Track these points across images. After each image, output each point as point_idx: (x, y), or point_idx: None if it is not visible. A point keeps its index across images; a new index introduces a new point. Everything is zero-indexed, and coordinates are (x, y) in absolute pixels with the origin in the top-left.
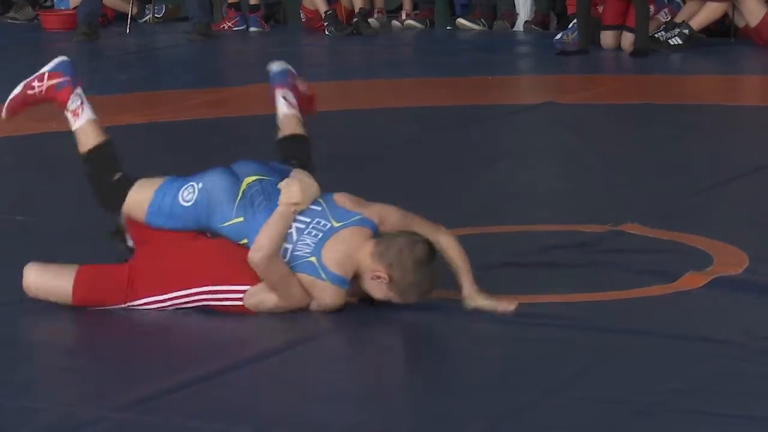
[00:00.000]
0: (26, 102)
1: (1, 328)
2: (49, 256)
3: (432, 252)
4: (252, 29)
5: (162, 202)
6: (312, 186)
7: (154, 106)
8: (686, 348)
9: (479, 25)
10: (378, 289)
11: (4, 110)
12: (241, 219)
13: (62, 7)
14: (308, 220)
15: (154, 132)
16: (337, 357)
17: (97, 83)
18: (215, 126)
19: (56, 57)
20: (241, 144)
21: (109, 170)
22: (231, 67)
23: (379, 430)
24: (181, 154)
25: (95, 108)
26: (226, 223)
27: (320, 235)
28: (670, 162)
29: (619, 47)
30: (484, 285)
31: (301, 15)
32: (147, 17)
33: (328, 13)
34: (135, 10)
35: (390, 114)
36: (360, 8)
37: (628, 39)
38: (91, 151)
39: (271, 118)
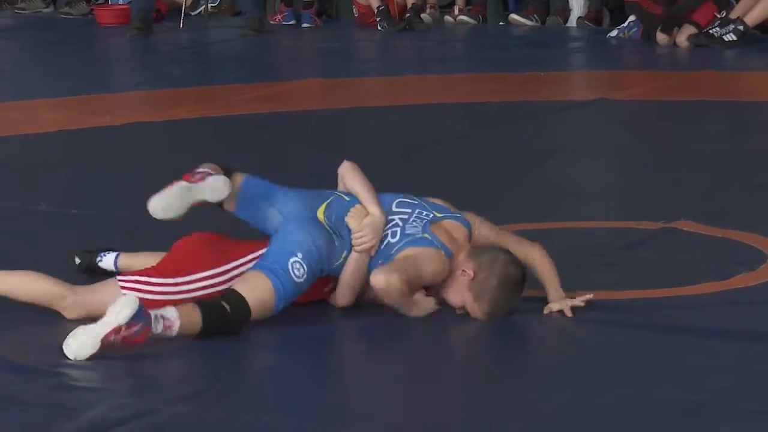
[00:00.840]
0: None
1: (55, 321)
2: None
3: (522, 281)
4: (304, 25)
5: (284, 291)
6: (377, 219)
7: (206, 101)
8: (737, 346)
9: (532, 20)
10: (457, 289)
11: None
12: (345, 253)
13: (117, 2)
14: (409, 211)
15: (206, 126)
16: (389, 351)
17: (151, 78)
18: (267, 121)
19: (121, 301)
20: (293, 139)
21: (224, 318)
22: (283, 62)
23: (431, 424)
24: (233, 148)
25: (149, 102)
26: (339, 262)
27: (425, 221)
28: (724, 159)
29: (674, 43)
30: (538, 282)
31: (354, 10)
32: (201, 8)
33: (381, 8)
34: (189, 2)
35: (441, 109)
36: (412, 3)
37: (684, 33)
38: (205, 326)
39: (323, 113)
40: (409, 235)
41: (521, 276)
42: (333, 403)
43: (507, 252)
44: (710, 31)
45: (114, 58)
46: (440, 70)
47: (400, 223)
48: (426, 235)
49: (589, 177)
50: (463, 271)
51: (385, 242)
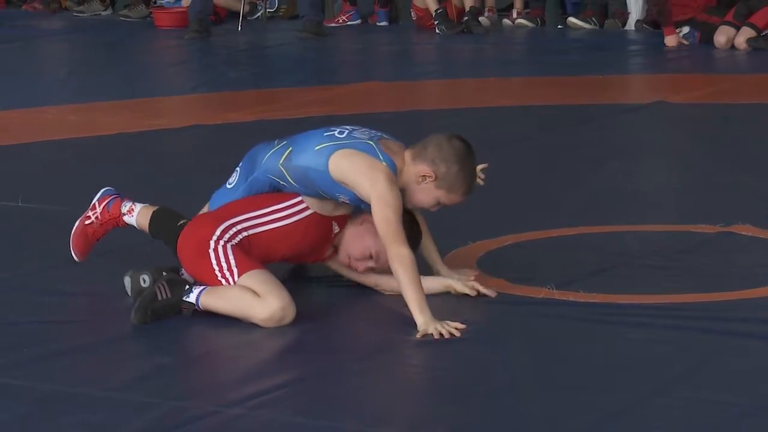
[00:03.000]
0: (87, 235)
1: (114, 323)
2: (162, 250)
3: (469, 144)
4: (381, 23)
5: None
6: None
7: (264, 104)
8: None
9: (590, 24)
10: (427, 194)
11: (74, 254)
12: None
13: (176, 5)
14: (357, 127)
15: (264, 129)
16: (439, 355)
17: (208, 81)
18: (325, 123)
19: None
20: None
21: (174, 220)
22: (341, 65)
23: (484, 428)
24: None
25: (207, 105)
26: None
27: (372, 135)
28: None
29: (732, 46)
30: (596, 285)
31: (412, 13)
32: (259, 13)
33: (439, 11)
34: (247, 8)
35: (500, 113)
36: (471, 6)
37: (742, 36)
38: (152, 222)
39: (381, 116)
40: (354, 138)
41: (466, 141)
42: (387, 410)
43: (439, 133)
44: (766, 34)
45: (172, 61)
46: (498, 74)
47: (348, 128)
48: (371, 143)
49: (647, 180)
50: (423, 176)
51: (330, 134)
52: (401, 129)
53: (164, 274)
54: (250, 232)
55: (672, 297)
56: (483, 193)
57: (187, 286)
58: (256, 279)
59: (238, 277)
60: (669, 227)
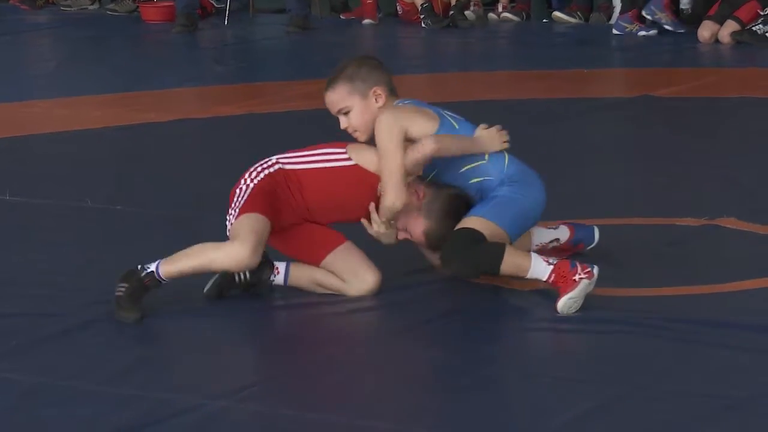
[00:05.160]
0: None
1: (101, 316)
2: (149, 245)
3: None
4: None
5: None
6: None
7: (252, 98)
8: None
9: (576, 18)
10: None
11: None
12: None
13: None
14: None
15: (252, 123)
16: (429, 347)
17: (196, 75)
18: (312, 117)
19: None
20: (338, 136)
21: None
22: (328, 59)
23: (468, 422)
24: (278, 145)
25: (195, 99)
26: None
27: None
28: (766, 156)
29: (716, 40)
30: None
31: (398, 8)
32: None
33: (425, 5)
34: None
35: (485, 107)
36: (457, 1)
37: (726, 30)
38: None
39: None
40: None
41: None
42: (376, 403)
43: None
44: (753, 28)
45: (159, 55)
46: (484, 68)
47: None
48: None
49: (631, 174)
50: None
51: None
52: None
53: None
54: (287, 167)
55: (657, 290)
56: None
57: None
58: (243, 223)
59: (235, 219)
60: (654, 220)
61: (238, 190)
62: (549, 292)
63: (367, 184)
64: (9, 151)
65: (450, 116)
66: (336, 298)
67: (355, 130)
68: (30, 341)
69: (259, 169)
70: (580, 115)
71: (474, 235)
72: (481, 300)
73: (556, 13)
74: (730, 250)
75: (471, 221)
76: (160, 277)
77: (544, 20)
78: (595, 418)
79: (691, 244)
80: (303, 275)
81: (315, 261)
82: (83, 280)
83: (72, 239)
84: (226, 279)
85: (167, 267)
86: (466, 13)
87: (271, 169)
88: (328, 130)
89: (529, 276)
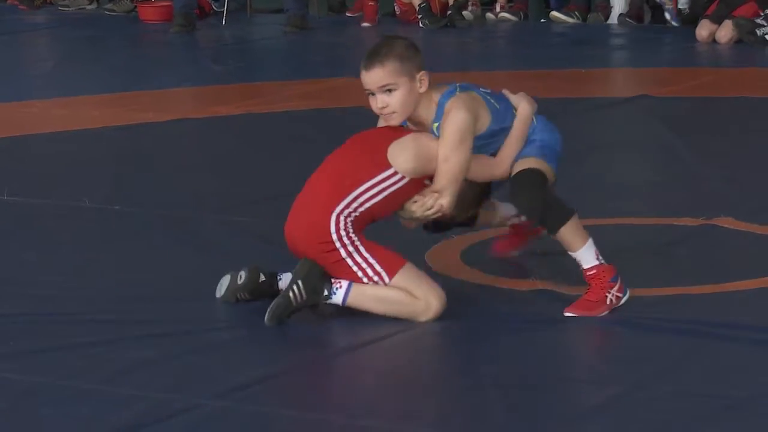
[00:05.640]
0: None
1: (100, 316)
2: (147, 245)
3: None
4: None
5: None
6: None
7: (249, 98)
8: None
9: (573, 17)
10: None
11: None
12: None
13: None
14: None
15: (249, 123)
16: (426, 348)
17: (194, 75)
18: (310, 117)
19: None
20: (336, 135)
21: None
22: (326, 59)
23: (468, 421)
24: (275, 144)
25: (193, 99)
26: None
27: None
28: (765, 156)
29: (713, 40)
30: (579, 278)
31: (396, 8)
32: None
33: (422, 5)
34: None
35: None
36: (454, 0)
37: (724, 30)
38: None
39: (365, 110)
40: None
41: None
42: (375, 402)
43: None
44: (755, 30)
45: (157, 55)
46: (482, 67)
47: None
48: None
49: (629, 174)
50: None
51: None
52: None
53: (265, 275)
54: (357, 214)
55: (654, 290)
56: None
57: (326, 287)
58: (408, 277)
59: (389, 278)
60: (651, 220)
61: (348, 259)
62: (549, 293)
63: (420, 185)
64: (7, 151)
65: (490, 98)
66: None
67: (393, 111)
68: (29, 341)
69: (344, 235)
70: (578, 115)
71: (538, 175)
72: (481, 300)
73: (554, 13)
74: (727, 250)
75: (529, 161)
76: (344, 304)
77: (542, 20)
78: (595, 418)
79: (688, 244)
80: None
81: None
82: (81, 280)
83: (70, 239)
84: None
85: (357, 301)
86: (464, 13)
87: (350, 227)
88: (326, 130)
89: (575, 254)
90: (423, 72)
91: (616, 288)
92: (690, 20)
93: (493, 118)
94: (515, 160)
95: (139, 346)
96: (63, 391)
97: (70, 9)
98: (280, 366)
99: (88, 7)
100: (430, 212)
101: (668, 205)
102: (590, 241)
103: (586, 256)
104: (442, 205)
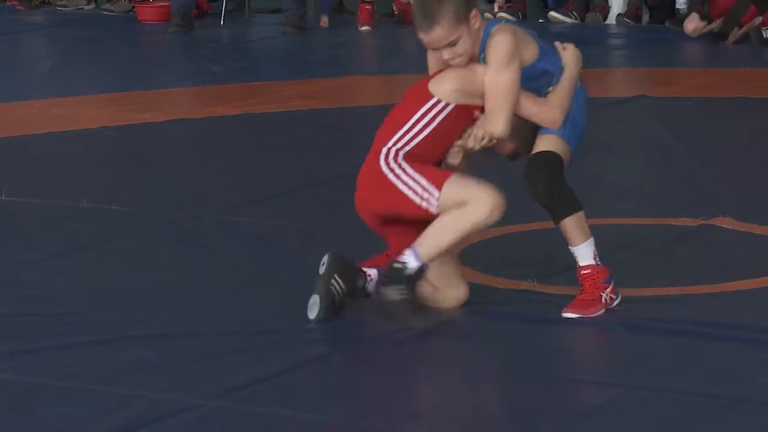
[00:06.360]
0: None
1: (98, 316)
2: (145, 245)
3: None
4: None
5: None
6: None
7: (247, 98)
8: None
9: (571, 18)
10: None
11: None
12: None
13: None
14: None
15: (247, 123)
16: (428, 347)
17: (192, 75)
18: (309, 117)
19: None
20: (333, 136)
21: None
22: (324, 58)
23: (470, 420)
24: (273, 145)
25: (191, 99)
26: None
27: None
28: (763, 156)
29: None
30: (573, 279)
31: (394, 7)
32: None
33: None
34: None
35: None
36: None
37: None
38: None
39: (363, 110)
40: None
41: None
42: (375, 401)
43: None
44: (760, 30)
45: (155, 55)
46: None
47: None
48: None
49: (628, 173)
50: None
51: None
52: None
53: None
54: (406, 149)
55: (653, 290)
56: None
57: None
58: (455, 185)
59: (437, 191)
60: (650, 220)
61: (397, 182)
62: (546, 294)
63: (468, 116)
64: (5, 151)
65: (538, 38)
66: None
67: (460, 55)
68: (27, 341)
69: (392, 162)
70: None
71: (556, 159)
72: (480, 300)
73: (552, 13)
74: (726, 250)
75: (551, 140)
76: (424, 265)
77: (540, 20)
78: (595, 418)
79: (687, 244)
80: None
81: None
82: (80, 280)
83: (68, 239)
84: (329, 301)
85: (426, 251)
86: None
87: (398, 156)
88: (324, 130)
89: (574, 249)
90: (473, 11)
91: (609, 289)
92: (637, 20)
93: (540, 55)
94: (540, 134)
95: (138, 346)
96: (62, 391)
97: (68, 9)
98: (279, 366)
99: (86, 7)
100: (484, 142)
101: (666, 205)
102: (591, 240)
103: (584, 254)
104: (491, 133)
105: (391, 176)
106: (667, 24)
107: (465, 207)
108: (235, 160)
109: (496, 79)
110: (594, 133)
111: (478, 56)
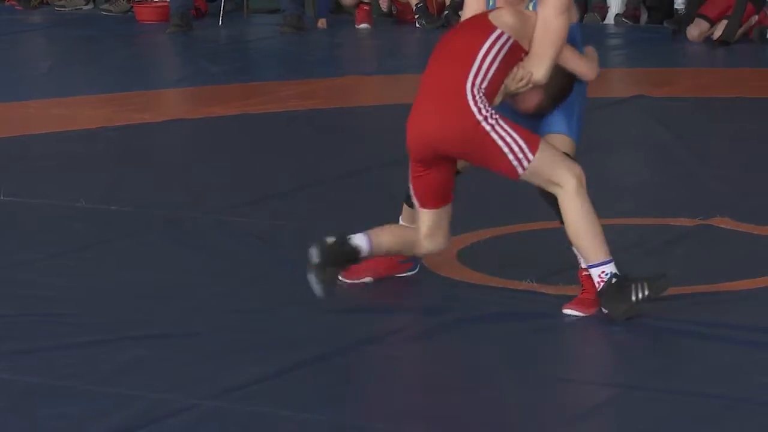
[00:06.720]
0: None
1: (97, 317)
2: (144, 245)
3: None
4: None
5: None
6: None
7: (246, 98)
8: None
9: None
10: None
11: None
12: None
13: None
14: None
15: (246, 123)
16: (424, 348)
17: (190, 75)
18: (308, 117)
19: None
20: (334, 135)
21: None
22: (322, 58)
23: (469, 420)
24: (272, 145)
25: (189, 99)
26: None
27: None
28: (761, 156)
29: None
30: (575, 278)
31: (392, 8)
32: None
33: (419, 5)
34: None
35: None
36: (451, 0)
37: (720, 30)
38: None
39: (362, 110)
40: None
41: None
42: (372, 402)
43: None
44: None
45: (154, 55)
46: None
47: None
48: None
49: (626, 173)
50: None
51: None
52: (383, 123)
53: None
54: (484, 85)
55: None
56: (463, 187)
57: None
58: (545, 155)
59: (532, 154)
60: (648, 220)
61: (494, 134)
62: (545, 293)
63: (517, 57)
64: (4, 151)
65: None
66: (336, 297)
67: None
68: (26, 341)
69: (482, 106)
70: None
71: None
72: (480, 300)
73: None
74: (724, 250)
75: (559, 140)
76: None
77: None
78: (595, 418)
79: (685, 244)
80: (383, 238)
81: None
82: (78, 280)
83: (67, 239)
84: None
85: (588, 255)
86: (461, 13)
87: (486, 100)
88: (323, 130)
89: (580, 250)
90: None
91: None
92: (688, 21)
93: (575, 26)
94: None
95: (137, 346)
96: (61, 391)
97: (67, 9)
98: (278, 366)
99: (85, 7)
100: (522, 83)
101: (665, 205)
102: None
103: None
104: (533, 74)
105: (486, 126)
106: (665, 24)
107: (564, 198)
108: (235, 160)
109: (551, 24)
110: (592, 134)
111: (528, 3)
